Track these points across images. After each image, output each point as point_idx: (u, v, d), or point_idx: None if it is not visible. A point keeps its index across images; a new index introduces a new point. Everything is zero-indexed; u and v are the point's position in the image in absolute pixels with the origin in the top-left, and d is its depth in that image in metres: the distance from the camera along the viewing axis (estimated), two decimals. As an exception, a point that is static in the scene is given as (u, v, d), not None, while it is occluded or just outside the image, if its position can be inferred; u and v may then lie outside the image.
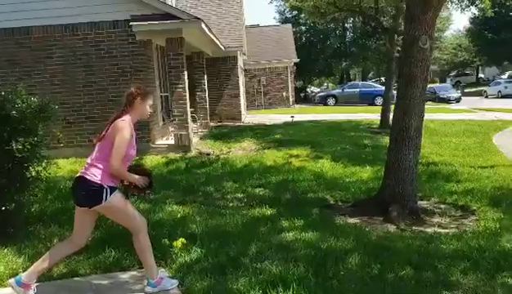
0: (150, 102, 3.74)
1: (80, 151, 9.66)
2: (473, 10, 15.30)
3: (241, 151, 10.86)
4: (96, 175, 3.45)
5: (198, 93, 14.53)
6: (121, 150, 3.46)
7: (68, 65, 10.31)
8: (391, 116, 15.10)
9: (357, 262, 4.18)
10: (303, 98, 37.01)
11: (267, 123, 15.98)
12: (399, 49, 15.92)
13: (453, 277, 3.94)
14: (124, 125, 3.51)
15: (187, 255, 4.43)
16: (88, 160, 3.58)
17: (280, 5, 44.03)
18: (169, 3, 13.11)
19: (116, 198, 3.52)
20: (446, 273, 4.00)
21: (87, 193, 3.45)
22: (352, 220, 5.76)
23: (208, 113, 15.06)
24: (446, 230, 5.40)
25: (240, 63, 18.40)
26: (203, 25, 10.62)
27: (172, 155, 10.33)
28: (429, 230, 5.43)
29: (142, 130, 10.63)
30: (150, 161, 9.89)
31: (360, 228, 5.41)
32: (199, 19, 10.53)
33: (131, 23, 10.08)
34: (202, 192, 7.24)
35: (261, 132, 13.25)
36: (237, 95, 17.56)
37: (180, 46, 10.49)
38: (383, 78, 55.67)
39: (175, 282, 3.84)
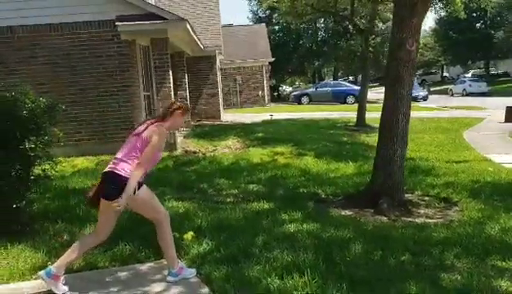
0: (186, 118, 4.01)
1: (66, 151, 9.67)
2: (444, 12, 15.95)
3: (227, 149, 11.08)
4: (126, 170, 3.64)
5: (179, 92, 14.63)
6: (152, 153, 3.73)
7: (52, 65, 10.27)
8: (366, 114, 15.81)
9: (360, 249, 4.50)
10: (276, 97, 37.45)
11: (247, 122, 16.23)
12: (371, 50, 16.55)
13: (448, 261, 4.31)
14: (163, 131, 3.79)
15: (199, 247, 4.66)
16: (118, 155, 3.77)
17: (254, 4, 44.43)
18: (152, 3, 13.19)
19: (144, 191, 3.73)
20: (441, 258, 4.37)
21: (117, 187, 3.63)
22: (345, 213, 6.09)
23: (189, 113, 15.19)
24: (434, 220, 5.79)
25: (218, 62, 18.59)
26: (187, 25, 10.79)
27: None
28: (418, 220, 5.81)
29: (127, 129, 10.69)
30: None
31: (354, 219, 5.75)
32: (184, 19, 10.69)
33: (116, 23, 10.13)
34: (197, 189, 7.44)
35: (243, 131, 13.49)
36: (216, 94, 17.75)
37: (165, 46, 10.63)
38: (351, 77, 57.12)
39: (193, 271, 4.07)
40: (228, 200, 6.66)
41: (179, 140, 11.61)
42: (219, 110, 17.91)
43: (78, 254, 3.81)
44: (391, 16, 22.89)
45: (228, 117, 18.81)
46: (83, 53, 10.28)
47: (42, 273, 3.72)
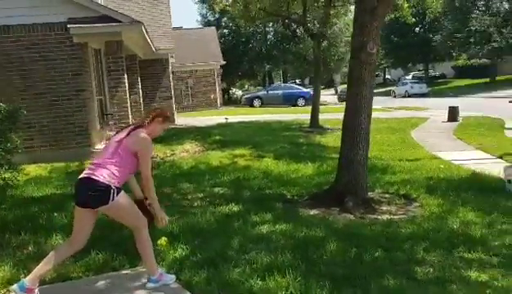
0: (166, 127, 3.98)
1: (17, 158, 9.24)
2: (393, 16, 16.58)
3: (185, 153, 10.97)
4: (104, 175, 3.54)
5: (132, 96, 14.33)
6: (149, 161, 3.72)
7: (2, 69, 9.79)
8: (320, 116, 16.16)
9: (335, 248, 4.61)
10: (227, 100, 37.49)
11: (202, 125, 16.14)
12: (322, 53, 16.99)
13: (418, 255, 4.50)
14: (148, 138, 3.72)
15: (174, 252, 4.59)
16: (96, 161, 3.66)
17: (203, 8, 44.20)
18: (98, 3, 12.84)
19: (122, 199, 3.63)
20: (412, 253, 4.55)
21: (94, 193, 3.52)
22: (313, 212, 6.19)
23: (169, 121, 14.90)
24: (398, 216, 6.01)
25: (170, 65, 18.38)
26: (143, 28, 10.61)
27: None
28: (383, 217, 6.00)
29: (80, 134, 10.40)
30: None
31: (323, 218, 5.87)
32: (139, 22, 10.51)
33: (69, 25, 9.80)
34: (160, 194, 7.29)
35: (200, 134, 13.41)
36: (169, 98, 17.53)
37: (120, 49, 10.40)
38: (297, 80, 58.17)
39: (173, 277, 4.01)
40: (196, 204, 6.60)
41: (135, 144, 11.38)
42: (173, 114, 17.68)
43: (52, 265, 3.66)
44: (337, 21, 23.59)
45: (182, 120, 18.62)
46: (35, 56, 9.87)
47: (15, 287, 3.54)
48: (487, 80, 40.13)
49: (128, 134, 3.72)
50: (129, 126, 3.92)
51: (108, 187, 3.53)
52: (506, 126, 15.51)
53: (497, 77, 39.71)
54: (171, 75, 18.67)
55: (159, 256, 4.48)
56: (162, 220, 3.87)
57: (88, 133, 10.46)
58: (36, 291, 3.57)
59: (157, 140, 13.28)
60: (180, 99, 25.35)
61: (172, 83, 18.83)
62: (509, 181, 7.02)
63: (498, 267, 4.21)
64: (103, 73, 12.18)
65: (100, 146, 11.27)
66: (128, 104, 10.75)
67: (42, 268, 3.61)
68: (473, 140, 12.49)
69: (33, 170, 9.09)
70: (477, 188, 7.11)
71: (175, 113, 18.27)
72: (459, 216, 5.70)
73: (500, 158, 9.99)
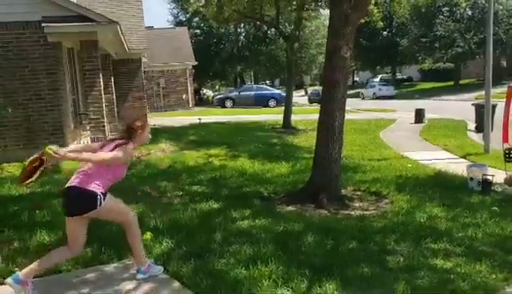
0: (148, 130, 4.10)
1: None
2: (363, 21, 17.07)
3: (161, 153, 11.09)
4: (90, 183, 3.70)
5: (106, 96, 14.29)
6: (112, 161, 3.77)
7: (-27, 67, 9.68)
8: (292, 117, 16.50)
9: (312, 240, 4.89)
10: (198, 100, 37.52)
11: (176, 125, 16.25)
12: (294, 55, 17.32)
13: (389, 246, 4.83)
14: (129, 150, 3.86)
15: (160, 246, 4.78)
16: (81, 169, 3.81)
17: (174, 8, 44.10)
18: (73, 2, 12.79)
19: (109, 201, 3.81)
20: (384, 244, 4.88)
21: (81, 201, 3.70)
22: (289, 208, 6.46)
23: (116, 116, 14.89)
24: (369, 212, 6.35)
25: (143, 65, 18.39)
26: (118, 28, 10.67)
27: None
28: (356, 213, 6.33)
29: (54, 134, 10.37)
30: (67, 165, 9.70)
31: (300, 214, 6.15)
32: (114, 21, 10.56)
33: (43, 24, 9.77)
34: (140, 192, 7.45)
35: (174, 134, 13.54)
36: (142, 98, 17.54)
37: (95, 48, 10.43)
38: (268, 81, 58.62)
39: (161, 268, 4.20)
40: (176, 201, 6.77)
41: (110, 144, 11.41)
42: (146, 114, 17.68)
43: (50, 264, 3.81)
44: (308, 24, 24.02)
45: (155, 121, 18.62)
46: (8, 55, 9.78)
47: (9, 279, 3.66)
48: (451, 83, 41.50)
49: (114, 148, 3.85)
50: (115, 139, 4.01)
51: (94, 194, 3.69)
52: (469, 127, 16.22)
53: (460, 81, 41.11)
54: (143, 75, 18.66)
55: (145, 250, 4.66)
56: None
57: (62, 132, 10.43)
58: (30, 283, 3.70)
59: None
60: (152, 99, 25.30)
61: (144, 83, 18.82)
62: (471, 179, 7.48)
63: (461, 256, 4.57)
64: (77, 72, 12.15)
65: (73, 146, 11.26)
66: (103, 104, 10.78)
67: (41, 265, 3.74)
68: (439, 141, 13.05)
69: (6, 169, 9.05)
70: (442, 185, 7.55)
71: (148, 113, 18.26)
72: (426, 210, 6.09)
73: (464, 157, 10.53)
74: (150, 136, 4.11)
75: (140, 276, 4.04)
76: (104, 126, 10.68)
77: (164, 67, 26.05)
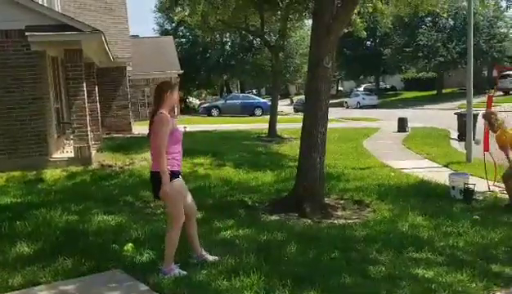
0: (177, 92, 4.37)
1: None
2: (346, 30, 17.27)
3: (145, 162, 10.98)
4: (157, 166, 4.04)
5: (89, 104, 14.18)
6: (165, 138, 4.06)
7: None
8: (278, 126, 16.56)
9: (295, 250, 4.90)
10: (184, 109, 37.45)
11: (160, 134, 16.13)
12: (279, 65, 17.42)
13: (371, 255, 4.86)
14: (162, 117, 4.10)
15: (141, 257, 4.74)
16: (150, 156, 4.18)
17: (160, 17, 44.08)
18: (57, 10, 12.72)
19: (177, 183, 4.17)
20: (366, 253, 4.91)
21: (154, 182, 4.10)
22: (273, 218, 6.46)
23: (100, 125, 14.78)
24: (352, 220, 6.38)
25: (127, 74, 18.32)
26: (103, 37, 10.63)
27: (72, 168, 10.13)
28: (339, 221, 6.36)
29: (38, 143, 10.27)
30: (51, 175, 9.62)
31: (284, 223, 6.15)
32: (99, 30, 10.52)
33: (26, 33, 9.69)
34: (123, 202, 7.40)
35: (159, 143, 13.44)
36: (126, 107, 17.45)
37: (79, 57, 10.37)
38: (254, 90, 58.86)
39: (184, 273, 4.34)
40: (158, 212, 6.73)
41: (93, 153, 11.32)
42: (130, 123, 17.61)
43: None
44: (293, 34, 24.21)
45: (139, 129, 18.52)
46: (-9, 63, 9.69)
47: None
48: (434, 92, 42.10)
49: (152, 125, 4.14)
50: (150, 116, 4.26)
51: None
52: (452, 136, 16.44)
53: (443, 90, 41.73)
54: (128, 84, 18.58)
55: (126, 261, 4.63)
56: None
57: (45, 142, 10.34)
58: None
59: (115, 148, 13.27)
60: (137, 107, 25.18)
61: (129, 92, 18.73)
62: (453, 188, 7.58)
63: (443, 265, 4.61)
64: (61, 81, 12.06)
65: (58, 155, 11.15)
66: (87, 113, 10.70)
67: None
68: (421, 150, 13.19)
69: (-12, 179, 8.92)
70: (424, 194, 7.64)
71: (131, 121, 18.17)
72: (408, 219, 6.14)
73: (446, 166, 10.66)
74: (178, 98, 4.38)
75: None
76: (87, 135, 10.59)
77: (150, 75, 25.98)
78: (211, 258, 4.58)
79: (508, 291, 4.11)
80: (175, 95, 4.32)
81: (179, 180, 4.27)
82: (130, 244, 4.97)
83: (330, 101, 8.75)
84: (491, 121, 7.24)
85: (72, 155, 10.73)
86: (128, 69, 19.91)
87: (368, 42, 47.92)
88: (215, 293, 3.93)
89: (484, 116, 7.55)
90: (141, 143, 13.69)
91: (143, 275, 4.30)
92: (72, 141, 11.06)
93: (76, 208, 6.80)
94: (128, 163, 10.85)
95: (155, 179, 4.15)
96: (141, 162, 11.05)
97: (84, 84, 10.59)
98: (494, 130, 7.21)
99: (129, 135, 16.26)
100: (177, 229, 4.29)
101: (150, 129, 4.20)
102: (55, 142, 11.31)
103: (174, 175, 4.16)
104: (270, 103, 18.92)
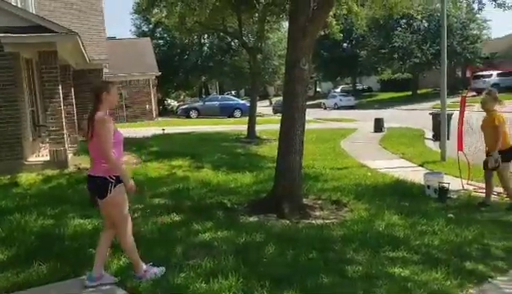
0: (115, 91, 4.17)
1: None
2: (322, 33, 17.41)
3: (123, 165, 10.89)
4: (100, 170, 3.92)
5: (65, 107, 13.97)
6: (110, 141, 3.91)
7: None
8: (256, 127, 16.60)
9: (273, 251, 4.92)
10: (162, 111, 37.21)
11: (138, 136, 16.03)
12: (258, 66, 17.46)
13: (349, 255, 4.91)
14: (102, 117, 3.93)
15: (118, 261, 4.70)
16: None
17: (137, 18, 43.68)
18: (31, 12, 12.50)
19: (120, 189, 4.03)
20: (343, 253, 4.96)
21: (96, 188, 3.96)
22: (252, 219, 6.47)
23: (77, 128, 14.57)
24: (330, 221, 6.43)
25: (104, 76, 18.11)
26: (78, 39, 10.49)
27: (48, 172, 9.98)
28: (316, 222, 6.41)
29: (12, 146, 10.09)
30: (26, 179, 9.44)
31: (262, 224, 6.16)
32: (74, 32, 10.38)
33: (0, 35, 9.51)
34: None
35: (136, 145, 13.34)
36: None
37: (54, 59, 10.21)
38: (233, 92, 58.84)
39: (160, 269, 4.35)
40: (136, 215, 6.66)
41: (70, 156, 11.17)
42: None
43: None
44: (270, 36, 24.29)
45: (116, 132, 18.36)
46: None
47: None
48: (409, 93, 42.76)
49: (92, 127, 3.94)
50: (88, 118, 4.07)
51: (105, 179, 3.98)
52: (427, 136, 16.73)
53: (418, 91, 42.40)
54: (105, 86, 18.33)
55: (103, 266, 4.57)
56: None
57: (20, 145, 10.17)
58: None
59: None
60: (114, 110, 24.89)
61: (106, 94, 18.48)
62: (428, 187, 7.72)
63: (418, 263, 4.69)
64: (36, 83, 11.85)
65: (34, 158, 10.95)
66: (62, 116, 10.54)
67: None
68: (397, 150, 13.39)
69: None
70: (400, 193, 7.76)
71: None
72: (384, 219, 6.23)
73: (421, 165, 10.85)
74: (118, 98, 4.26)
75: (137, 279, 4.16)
76: (63, 137, 10.44)
77: (127, 77, 25.76)
78: (110, 278, 4.25)
79: (481, 288, 4.20)
80: (113, 95, 4.11)
81: (122, 185, 4.10)
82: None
83: (308, 102, 8.85)
84: (496, 96, 7.13)
85: (48, 158, 10.57)
86: (105, 70, 19.70)
87: (345, 44, 48.40)
88: (194, 296, 3.92)
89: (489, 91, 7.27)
90: (119, 145, 13.59)
91: (121, 279, 4.26)
92: (48, 144, 10.89)
93: (52, 212, 6.70)
94: (105, 166, 10.73)
95: (96, 184, 4.01)
96: (119, 164, 10.95)
97: (60, 86, 10.44)
98: (490, 108, 6.98)
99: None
100: (129, 232, 4.21)
101: (88, 132, 3.99)
102: (30, 145, 11.11)
103: (118, 180, 4.01)
104: (249, 104, 18.96)
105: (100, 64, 17.08)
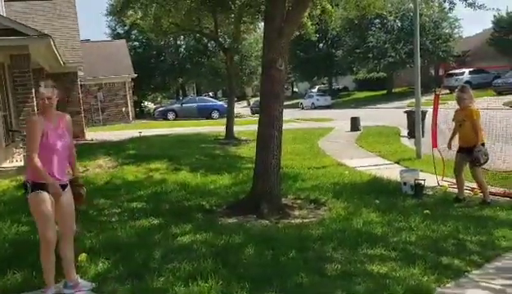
0: (43, 90, 4.05)
1: None
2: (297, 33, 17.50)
3: (99, 169, 10.75)
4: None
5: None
6: (32, 143, 3.82)
7: None
8: (235, 128, 16.57)
9: (253, 252, 4.92)
10: (139, 113, 36.84)
11: (115, 140, 15.83)
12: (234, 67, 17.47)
13: (328, 253, 4.94)
14: (29, 119, 3.87)
15: (95, 267, 4.63)
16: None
17: (111, 20, 43.13)
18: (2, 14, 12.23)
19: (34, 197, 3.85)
20: (322, 251, 4.99)
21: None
22: (231, 220, 6.46)
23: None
24: (309, 220, 6.47)
25: (79, 79, 17.84)
26: (51, 42, 10.31)
27: (22, 178, 9.74)
28: (296, 221, 6.43)
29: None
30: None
31: (241, 225, 6.15)
32: (47, 35, 10.20)
33: (-32, 37, 9.29)
34: (76, 211, 7.17)
35: (113, 149, 13.17)
36: (79, 113, 16.96)
37: (26, 62, 10.01)
38: (211, 93, 58.69)
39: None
40: (114, 219, 6.59)
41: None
42: (83, 129, 17.14)
43: None
44: (247, 36, 24.31)
45: (93, 135, 18.09)
46: None
47: None
48: (385, 92, 43.32)
49: None
50: None
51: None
52: (402, 134, 16.97)
53: (393, 89, 42.98)
54: (80, 89, 18.10)
55: (80, 272, 4.51)
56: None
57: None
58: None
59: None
60: (90, 113, 24.58)
61: (81, 97, 18.25)
62: (404, 184, 7.83)
63: (396, 260, 4.75)
64: (8, 87, 11.59)
65: (7, 164, 10.71)
66: (36, 120, 10.33)
67: None
68: (373, 148, 13.55)
69: None
70: (377, 191, 7.85)
71: (84, 128, 17.71)
72: (362, 216, 6.29)
73: (397, 163, 11.00)
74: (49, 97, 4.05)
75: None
76: (37, 143, 10.22)
77: (102, 80, 25.44)
78: (87, 284, 4.19)
79: (457, 283, 4.27)
80: (40, 95, 4.02)
81: (42, 194, 3.84)
82: (84, 254, 4.84)
83: (286, 103, 8.88)
84: (469, 93, 7.23)
85: (22, 164, 10.33)
86: (80, 73, 19.42)
87: (321, 45, 48.75)
88: (173, 299, 3.88)
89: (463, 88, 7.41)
90: (95, 150, 13.38)
91: (98, 286, 4.20)
92: (22, 150, 10.66)
93: (26, 219, 6.53)
94: (82, 171, 10.55)
95: (24, 189, 3.96)
96: (96, 169, 10.80)
97: (33, 90, 10.22)
98: (467, 103, 7.13)
99: (82, 142, 15.81)
100: (44, 250, 3.93)
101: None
102: (3, 151, 10.87)
103: (35, 186, 3.84)
104: (227, 105, 18.94)
105: (74, 67, 16.81)
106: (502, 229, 5.66)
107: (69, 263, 4.14)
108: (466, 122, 7.02)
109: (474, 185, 7.49)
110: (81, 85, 22.65)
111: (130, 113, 26.57)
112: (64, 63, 14.97)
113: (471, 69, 34.19)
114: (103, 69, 25.42)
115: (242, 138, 16.36)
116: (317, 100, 41.82)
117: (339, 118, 25.21)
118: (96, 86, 25.34)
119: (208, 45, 37.59)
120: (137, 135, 17.02)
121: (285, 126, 7.30)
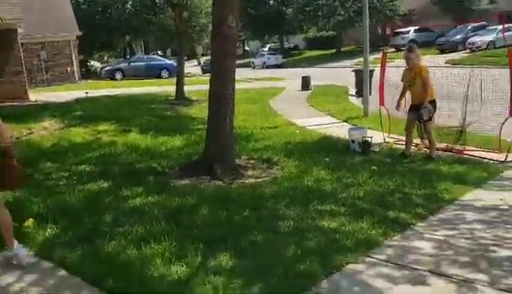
0: None
1: None
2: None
3: (44, 131, 10.34)
4: None
5: (-26, 71, 12.90)
6: None
7: None
8: (185, 88, 16.26)
9: (207, 212, 4.93)
10: (85, 73, 35.38)
11: (60, 101, 15.21)
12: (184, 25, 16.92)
13: (280, 211, 5.03)
14: None
15: (44, 232, 4.50)
16: None
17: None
18: None
19: None
20: (275, 209, 5.07)
21: None
22: (184, 182, 6.40)
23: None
24: (262, 179, 6.53)
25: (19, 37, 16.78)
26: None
27: None
28: (249, 181, 6.47)
29: None
30: None
31: (195, 186, 6.13)
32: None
33: None
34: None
35: (58, 110, 12.68)
36: (20, 73, 16.05)
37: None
38: (159, 52, 57.00)
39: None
40: (61, 183, 6.39)
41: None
42: (26, 90, 16.29)
43: None
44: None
45: (37, 96, 17.25)
46: None
47: None
48: (334, 51, 43.68)
49: None
50: None
51: None
52: (350, 92, 17.26)
53: (342, 48, 43.42)
54: (21, 47, 17.07)
55: (27, 238, 4.38)
56: None
57: None
58: None
59: (10, 117, 12.30)
60: (33, 73, 23.31)
61: (22, 57, 17.24)
62: (352, 141, 8.01)
63: (345, 215, 4.90)
64: None
65: None
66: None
67: None
68: (323, 107, 13.71)
69: None
70: (327, 149, 8.00)
71: (27, 88, 16.83)
72: (313, 174, 6.41)
73: (346, 121, 11.22)
74: None
75: None
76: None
77: (45, 38, 24.03)
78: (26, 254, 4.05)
79: (403, 235, 4.46)
80: None
81: None
82: (31, 219, 4.70)
83: (238, 62, 8.75)
84: (417, 52, 7.33)
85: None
86: (20, 31, 18.26)
87: (271, 1, 48.13)
88: (125, 263, 3.85)
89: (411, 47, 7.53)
90: (40, 111, 12.84)
91: (47, 252, 4.10)
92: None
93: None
94: (26, 134, 10.12)
95: None
96: (41, 131, 10.39)
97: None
98: (415, 62, 7.24)
99: (26, 103, 15.08)
100: None
101: None
102: None
103: None
104: (176, 64, 18.48)
105: (14, 24, 15.74)
106: (445, 182, 5.92)
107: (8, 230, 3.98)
108: (416, 79, 7.18)
109: (418, 141, 7.76)
110: (22, 43, 21.38)
111: (76, 73, 25.43)
112: (1, 20, 14.00)
113: (416, 28, 34.91)
114: (45, 27, 23.95)
115: (193, 98, 16.11)
116: (268, 58, 41.59)
117: (291, 77, 25.27)
118: (39, 44, 23.93)
119: (156, 0, 36.11)
120: (84, 95, 16.42)
121: (237, 86, 7.21)
